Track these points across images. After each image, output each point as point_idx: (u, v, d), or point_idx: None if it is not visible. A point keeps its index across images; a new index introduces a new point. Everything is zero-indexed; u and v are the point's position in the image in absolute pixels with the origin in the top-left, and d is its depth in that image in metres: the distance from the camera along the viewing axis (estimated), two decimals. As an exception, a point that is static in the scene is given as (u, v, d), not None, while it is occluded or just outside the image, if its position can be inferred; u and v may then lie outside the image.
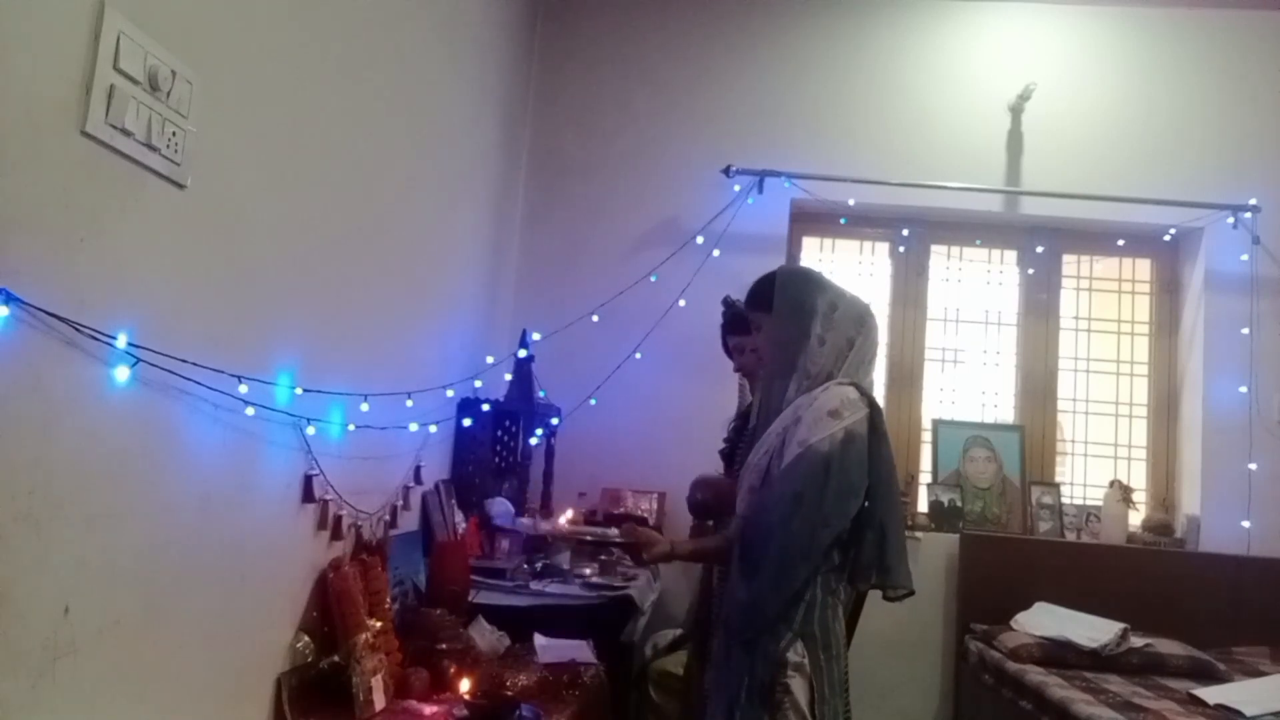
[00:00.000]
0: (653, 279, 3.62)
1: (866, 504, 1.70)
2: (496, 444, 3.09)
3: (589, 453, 3.50)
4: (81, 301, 1.19)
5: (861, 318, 1.82)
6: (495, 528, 2.88)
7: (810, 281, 1.84)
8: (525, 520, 2.50)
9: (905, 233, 3.91)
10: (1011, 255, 4.01)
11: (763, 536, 1.67)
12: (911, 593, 1.74)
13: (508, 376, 3.20)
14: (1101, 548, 3.55)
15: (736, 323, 2.32)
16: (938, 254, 3.99)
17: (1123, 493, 3.64)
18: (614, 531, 2.33)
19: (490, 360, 3.21)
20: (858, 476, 1.67)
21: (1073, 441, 3.93)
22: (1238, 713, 2.42)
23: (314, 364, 1.86)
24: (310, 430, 1.85)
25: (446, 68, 2.77)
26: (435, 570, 2.43)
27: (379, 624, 1.97)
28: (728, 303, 2.43)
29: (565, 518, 3.24)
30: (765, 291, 1.87)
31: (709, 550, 2.02)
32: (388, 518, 2.34)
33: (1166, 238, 3.82)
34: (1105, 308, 4.00)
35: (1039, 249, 3.92)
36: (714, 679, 1.81)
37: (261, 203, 1.66)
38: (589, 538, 2.39)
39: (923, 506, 3.76)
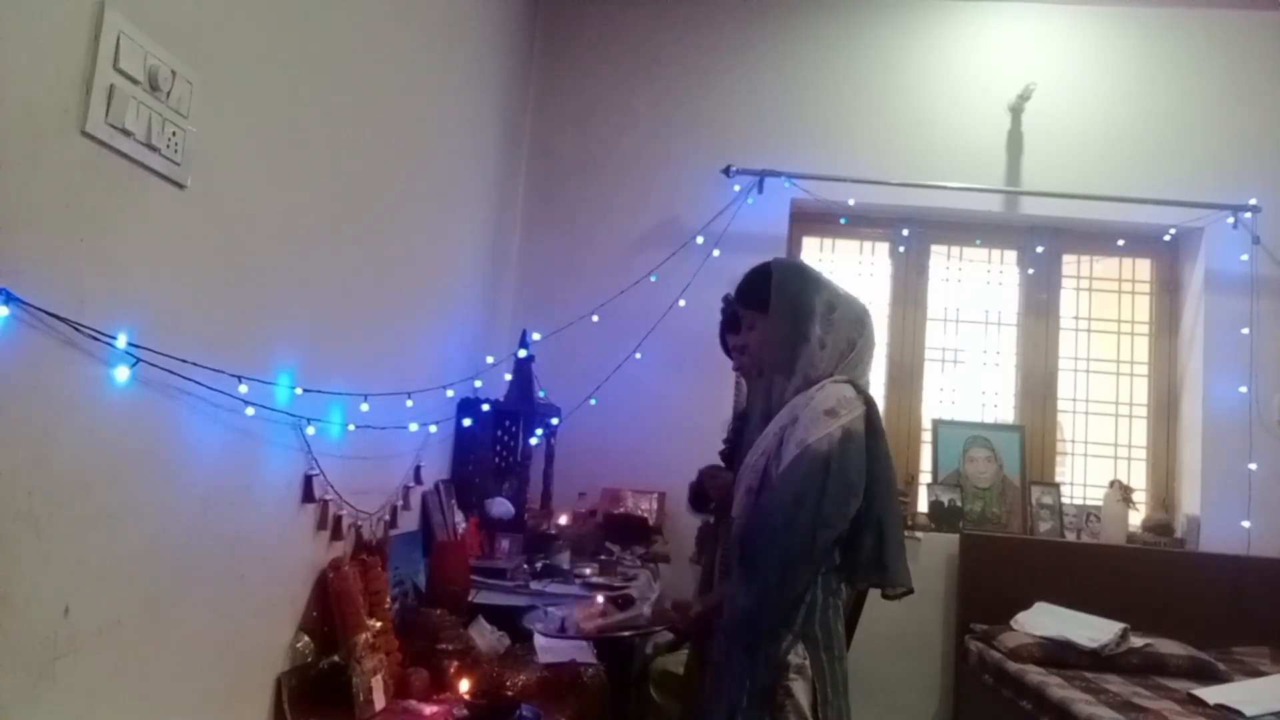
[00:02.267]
0: (653, 279, 3.62)
1: (864, 503, 1.69)
2: (496, 444, 3.09)
3: (589, 453, 3.50)
4: (81, 301, 1.19)
5: (860, 318, 1.81)
6: (496, 528, 2.88)
7: (807, 280, 1.81)
8: (557, 612, 2.38)
9: (905, 233, 3.91)
10: (1011, 255, 4.02)
11: (764, 540, 1.66)
12: (910, 591, 1.74)
13: (508, 376, 3.20)
14: (1101, 548, 3.55)
15: (736, 322, 2.32)
16: (938, 254, 3.99)
17: (1123, 493, 3.65)
18: (645, 612, 2.30)
19: (490, 360, 3.21)
20: (856, 475, 1.66)
21: (1073, 441, 3.93)
22: (1238, 713, 2.43)
23: (314, 364, 1.86)
24: (310, 430, 1.85)
25: (446, 68, 2.77)
26: (435, 570, 2.43)
27: (379, 624, 1.97)
28: (728, 301, 2.42)
29: (563, 519, 3.25)
30: (759, 288, 1.84)
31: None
32: (388, 518, 2.34)
33: (1166, 238, 3.82)
34: (1105, 308, 4.00)
35: (1039, 249, 3.92)
36: (714, 681, 1.80)
37: (261, 203, 1.66)
38: (627, 631, 2.33)
39: (923, 506, 3.76)
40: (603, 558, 3.00)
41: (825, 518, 1.62)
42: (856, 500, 1.66)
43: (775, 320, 1.80)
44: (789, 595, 1.64)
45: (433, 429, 2.61)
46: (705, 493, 2.24)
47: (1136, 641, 2.98)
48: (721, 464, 2.43)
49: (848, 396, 1.70)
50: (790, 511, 1.63)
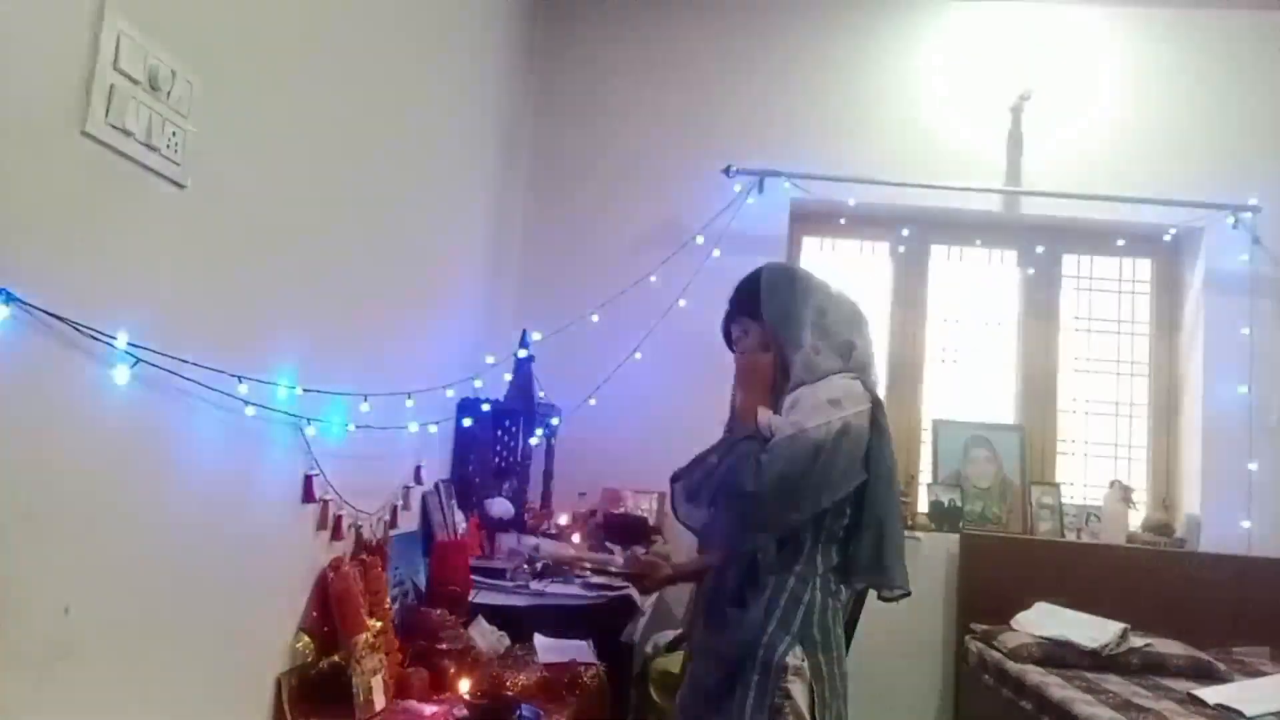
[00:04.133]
0: (653, 279, 3.62)
1: (865, 501, 1.69)
2: (496, 444, 3.09)
3: (589, 453, 3.50)
4: (81, 301, 1.19)
5: (853, 318, 1.80)
6: (495, 528, 2.88)
7: (795, 287, 1.79)
8: (530, 540, 2.47)
9: (905, 233, 3.91)
10: (1011, 255, 4.01)
11: (731, 487, 1.65)
12: (908, 593, 1.73)
13: (508, 376, 3.20)
14: (1101, 548, 3.55)
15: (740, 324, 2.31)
16: (938, 254, 3.99)
17: (1123, 493, 3.64)
18: (617, 560, 2.34)
19: (490, 360, 3.21)
20: (840, 474, 1.64)
21: (1073, 441, 3.93)
22: (1238, 713, 2.42)
23: (314, 364, 1.86)
24: (310, 430, 1.85)
25: (446, 68, 2.77)
26: (435, 570, 2.43)
27: (379, 624, 1.97)
28: (732, 300, 2.41)
29: (563, 519, 3.25)
30: (751, 297, 1.83)
31: (709, 569, 2.04)
32: (388, 518, 2.34)
33: (1166, 238, 3.82)
34: (1105, 308, 4.00)
35: (1039, 249, 3.92)
36: (710, 682, 1.79)
37: (261, 203, 1.66)
38: (588, 565, 2.39)
39: (923, 506, 3.76)
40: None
41: (796, 502, 1.63)
42: (832, 495, 1.65)
43: (769, 332, 1.79)
44: (720, 541, 1.73)
45: (433, 429, 2.61)
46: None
47: (1136, 641, 2.98)
48: None
49: (855, 391, 1.70)
50: (770, 482, 1.61)
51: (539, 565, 2.79)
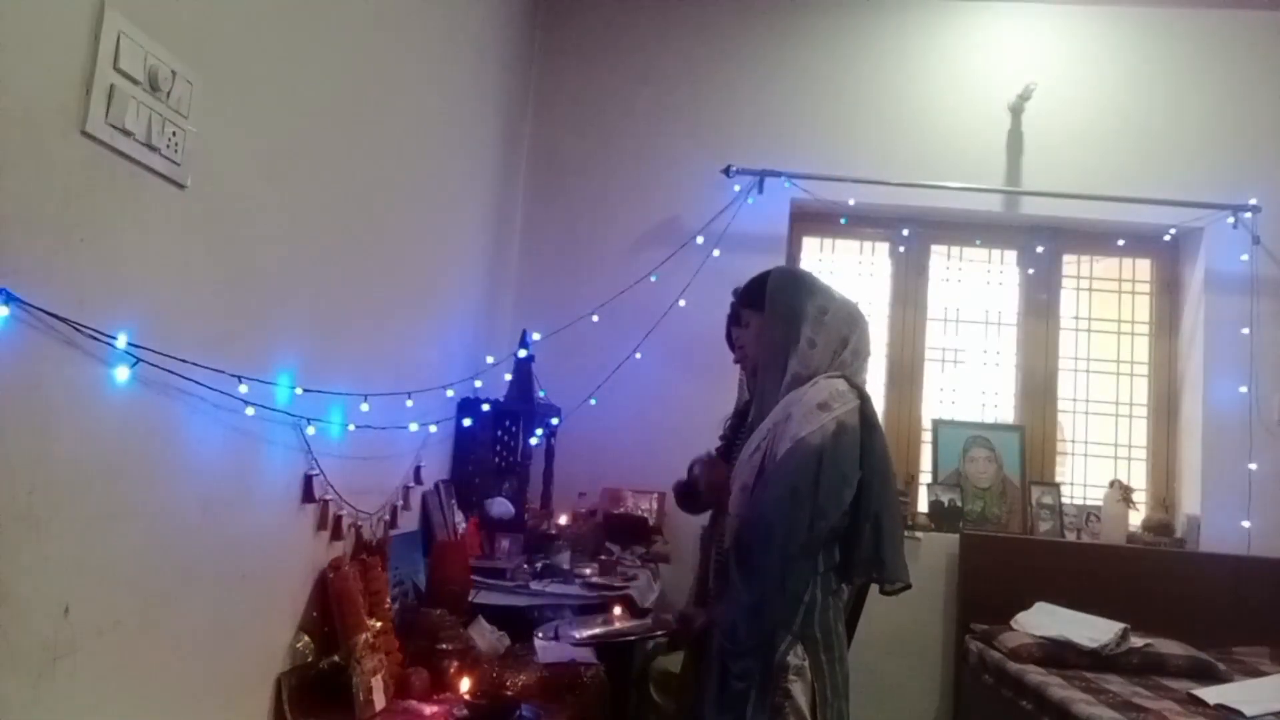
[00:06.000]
0: (653, 279, 3.62)
1: (861, 496, 1.70)
2: (496, 444, 3.09)
3: (589, 453, 3.50)
4: (81, 301, 1.19)
5: (852, 317, 1.86)
6: (495, 528, 2.87)
7: (800, 285, 1.88)
8: (568, 629, 2.46)
9: (905, 233, 3.91)
10: (1011, 255, 4.01)
11: (762, 537, 1.66)
12: (908, 586, 1.74)
13: (508, 376, 3.20)
14: (1101, 548, 3.55)
15: (741, 316, 2.33)
16: (938, 254, 3.99)
17: (1123, 493, 3.64)
18: (649, 623, 2.36)
19: (490, 360, 3.21)
20: (849, 466, 1.69)
21: (1073, 441, 3.93)
22: (1238, 713, 2.43)
23: (314, 364, 1.86)
24: (310, 430, 1.85)
25: (447, 68, 2.77)
26: (435, 570, 2.43)
27: (379, 624, 1.97)
28: (738, 294, 2.43)
29: (563, 519, 3.25)
30: (757, 290, 1.92)
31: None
32: (388, 518, 2.34)
33: (1166, 238, 3.82)
34: (1105, 308, 4.00)
35: (1039, 249, 3.92)
36: (714, 683, 1.79)
37: (261, 203, 1.66)
38: (632, 636, 2.42)
39: (923, 506, 3.76)
40: (603, 558, 3.00)
41: (820, 507, 1.65)
42: (850, 490, 1.68)
43: (769, 322, 1.86)
44: (791, 590, 1.65)
45: (433, 429, 2.61)
46: (695, 488, 2.22)
47: (1136, 641, 2.98)
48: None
49: (840, 390, 1.73)
50: (785, 506, 1.64)
51: (539, 566, 2.79)
